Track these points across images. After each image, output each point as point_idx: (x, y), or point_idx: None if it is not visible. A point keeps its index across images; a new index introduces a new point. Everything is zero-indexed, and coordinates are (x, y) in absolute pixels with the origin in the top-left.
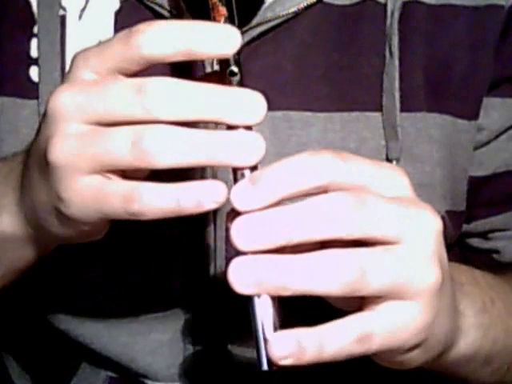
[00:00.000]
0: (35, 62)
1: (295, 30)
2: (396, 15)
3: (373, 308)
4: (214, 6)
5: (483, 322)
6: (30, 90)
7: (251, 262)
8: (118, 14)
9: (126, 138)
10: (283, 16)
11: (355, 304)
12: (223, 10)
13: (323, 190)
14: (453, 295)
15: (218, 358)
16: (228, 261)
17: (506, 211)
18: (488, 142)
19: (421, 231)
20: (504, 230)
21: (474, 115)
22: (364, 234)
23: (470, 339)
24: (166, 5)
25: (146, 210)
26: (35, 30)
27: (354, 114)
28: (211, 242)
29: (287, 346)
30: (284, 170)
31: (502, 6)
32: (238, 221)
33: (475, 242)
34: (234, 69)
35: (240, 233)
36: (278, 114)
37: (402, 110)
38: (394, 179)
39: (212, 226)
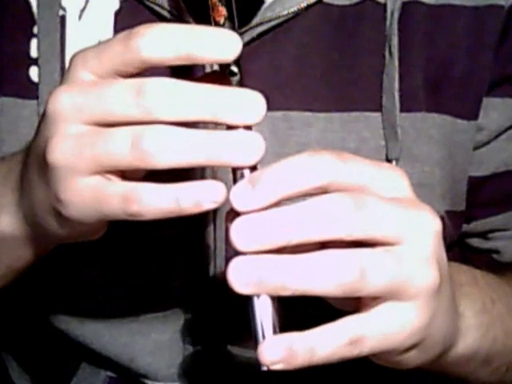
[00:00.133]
0: (35, 62)
1: (295, 30)
2: (396, 15)
3: (370, 309)
4: (214, 6)
5: (483, 322)
6: (30, 91)
7: (251, 261)
8: (117, 14)
9: (126, 138)
10: (283, 16)
11: (353, 304)
12: (223, 10)
13: (323, 191)
14: (452, 296)
15: (217, 358)
16: (228, 261)
17: (506, 211)
18: (488, 142)
19: (420, 232)
20: (504, 229)
21: (473, 115)
22: (364, 234)
23: (470, 340)
24: (166, 5)
25: (145, 210)
26: (35, 30)
27: (354, 114)
28: (211, 242)
29: (277, 352)
30: (284, 170)
31: (502, 6)
32: (237, 221)
33: (475, 242)
34: (234, 69)
35: (239, 233)
36: (278, 114)
37: (401, 110)
38: (394, 180)
39: (212, 227)
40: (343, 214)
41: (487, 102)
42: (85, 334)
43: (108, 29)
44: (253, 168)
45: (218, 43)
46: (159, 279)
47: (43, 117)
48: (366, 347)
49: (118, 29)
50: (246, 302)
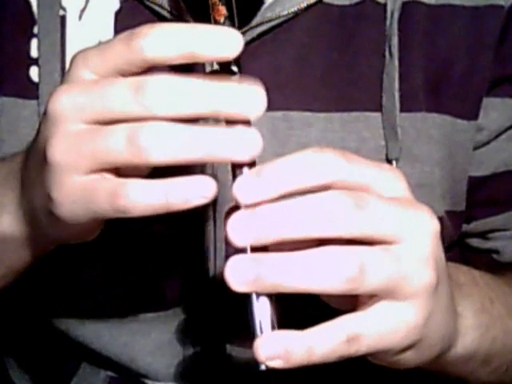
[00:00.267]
0: (35, 62)
1: (295, 31)
2: (396, 15)
3: (366, 308)
4: (214, 5)
5: (482, 322)
6: (30, 91)
7: (248, 259)
8: (117, 14)
9: (123, 134)
10: (283, 16)
11: (350, 304)
12: (223, 10)
13: (324, 188)
14: (451, 297)
15: (217, 358)
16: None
17: (506, 211)
18: (488, 142)
19: (418, 232)
20: (504, 229)
21: (473, 115)
22: (363, 233)
23: (469, 340)
24: (166, 5)
25: (133, 205)
26: (35, 30)
27: (354, 114)
28: (211, 242)
29: (274, 347)
30: (289, 165)
31: (502, 6)
32: (234, 216)
33: (475, 242)
34: (234, 68)
35: (236, 228)
36: (278, 114)
37: (401, 110)
38: (393, 181)
39: (212, 226)
40: (344, 212)
41: (487, 102)
42: (85, 334)
43: (108, 29)
44: (251, 165)
45: (220, 40)
46: (159, 279)
47: (44, 117)
48: (364, 346)
49: (118, 29)
50: (245, 301)
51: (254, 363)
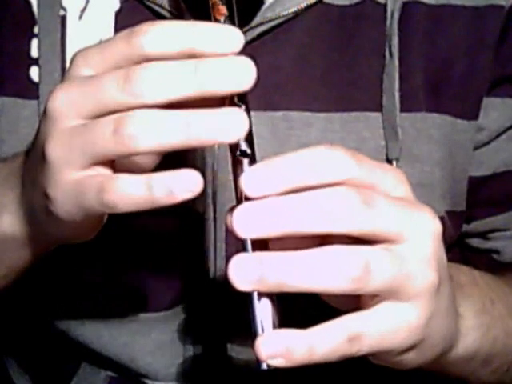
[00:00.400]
0: (35, 62)
1: (295, 31)
2: (396, 15)
3: (368, 308)
4: (214, 4)
5: (483, 322)
6: (31, 90)
7: (251, 258)
8: (118, 14)
9: (109, 125)
10: (283, 16)
11: (353, 304)
12: (223, 9)
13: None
14: (452, 297)
15: (217, 357)
16: (228, 260)
17: (506, 211)
18: (488, 142)
19: (420, 232)
20: (504, 229)
21: (473, 115)
22: (370, 230)
23: (470, 340)
24: (167, 5)
25: (119, 199)
26: (35, 30)
27: (354, 114)
28: (211, 242)
29: (275, 346)
30: (301, 160)
31: (502, 7)
32: (239, 208)
33: (475, 242)
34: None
35: (241, 220)
36: (278, 114)
37: (401, 110)
38: (396, 181)
39: (212, 226)
40: (351, 209)
41: (487, 101)
42: (85, 334)
43: (108, 29)
44: (252, 161)
45: (221, 37)
46: (159, 279)
47: (43, 116)
48: (365, 345)
49: (118, 29)
50: (246, 301)
51: (255, 363)
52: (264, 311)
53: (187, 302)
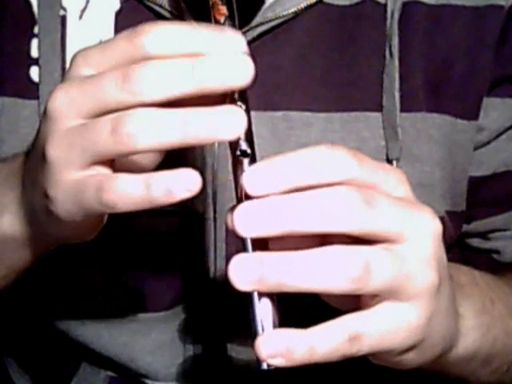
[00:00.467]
0: (35, 62)
1: (295, 31)
2: (396, 15)
3: (369, 308)
4: (215, 5)
5: (483, 322)
6: (31, 91)
7: (252, 258)
8: (118, 14)
9: (107, 124)
10: (283, 16)
11: (353, 304)
12: (223, 9)
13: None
14: (452, 297)
15: (217, 357)
16: (228, 260)
17: (506, 211)
18: (488, 142)
19: (421, 232)
20: (504, 230)
21: (473, 115)
22: (371, 229)
23: (470, 340)
24: (167, 5)
25: (118, 199)
26: (35, 30)
27: (354, 114)
28: (211, 242)
29: (276, 345)
30: (303, 159)
31: (502, 7)
32: (241, 206)
33: (475, 242)
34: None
35: (242, 218)
36: (278, 114)
37: (401, 110)
38: (396, 181)
39: (212, 226)
40: (353, 208)
41: (487, 102)
42: (85, 334)
43: (109, 29)
44: (252, 160)
45: (223, 39)
46: (159, 279)
47: (43, 116)
48: (365, 345)
49: (118, 29)
50: (247, 300)
51: (255, 363)
52: (264, 311)
53: (187, 301)
